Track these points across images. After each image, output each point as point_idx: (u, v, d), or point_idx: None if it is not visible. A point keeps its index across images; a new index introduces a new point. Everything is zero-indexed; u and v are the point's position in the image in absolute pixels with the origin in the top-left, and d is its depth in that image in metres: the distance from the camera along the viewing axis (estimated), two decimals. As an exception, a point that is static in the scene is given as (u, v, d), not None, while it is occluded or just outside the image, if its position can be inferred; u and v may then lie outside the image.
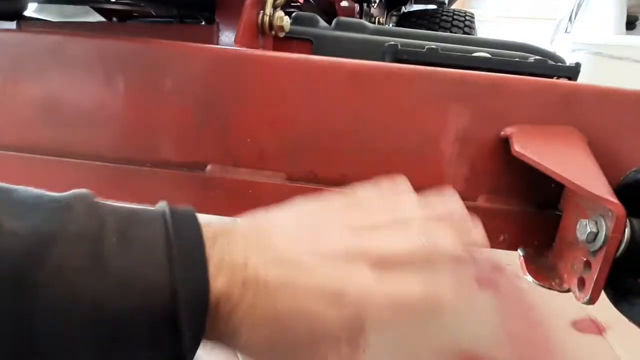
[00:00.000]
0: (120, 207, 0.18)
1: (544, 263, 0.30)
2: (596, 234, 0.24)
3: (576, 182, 0.24)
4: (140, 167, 0.32)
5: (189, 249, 0.17)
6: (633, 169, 0.25)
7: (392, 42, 0.31)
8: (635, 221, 0.23)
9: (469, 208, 0.31)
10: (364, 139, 0.31)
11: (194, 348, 0.17)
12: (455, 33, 1.10)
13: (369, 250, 0.19)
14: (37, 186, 0.34)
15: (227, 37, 0.44)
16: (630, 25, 2.23)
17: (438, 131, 0.30)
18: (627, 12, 2.10)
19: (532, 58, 0.31)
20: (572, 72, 0.31)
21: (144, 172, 0.32)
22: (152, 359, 0.17)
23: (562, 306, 0.79)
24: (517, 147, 0.27)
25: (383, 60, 0.32)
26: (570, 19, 2.19)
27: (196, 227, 0.18)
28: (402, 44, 0.46)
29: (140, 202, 0.33)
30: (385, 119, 0.30)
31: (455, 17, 1.10)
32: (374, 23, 0.96)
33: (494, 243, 0.32)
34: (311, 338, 0.19)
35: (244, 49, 0.30)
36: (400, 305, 0.19)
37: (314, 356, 0.19)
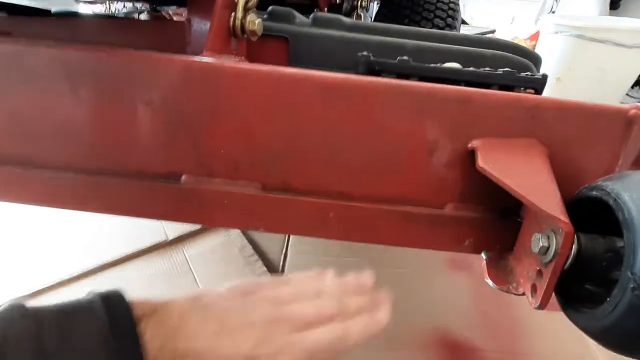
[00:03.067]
0: (57, 308, 0.20)
1: (505, 266, 0.32)
2: (547, 248, 0.25)
3: (532, 200, 0.25)
4: (113, 178, 0.32)
5: (124, 338, 0.20)
6: (585, 186, 0.26)
7: (365, 53, 0.31)
8: (583, 236, 0.25)
9: (436, 216, 0.33)
10: (337, 150, 0.31)
11: None
12: (439, 16, 1.08)
13: (289, 316, 0.25)
14: (8, 198, 0.34)
15: (199, 35, 0.43)
16: (613, 4, 2.23)
17: (408, 143, 0.31)
18: (612, -8, 2.10)
19: (502, 70, 0.31)
20: (539, 83, 0.31)
21: (117, 183, 0.32)
22: None
23: (530, 286, 0.84)
24: (481, 163, 0.28)
25: (357, 69, 0.32)
26: (556, -2, 2.18)
27: (127, 311, 0.21)
28: (378, 44, 0.46)
29: (115, 213, 0.33)
30: (357, 131, 0.31)
31: (439, 0, 1.08)
32: (356, 7, 0.93)
33: (460, 247, 0.34)
34: None
35: (215, 60, 0.30)
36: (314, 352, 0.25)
37: None
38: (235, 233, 0.98)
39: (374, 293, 0.30)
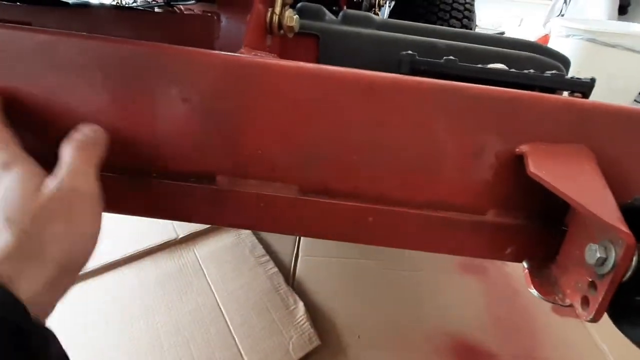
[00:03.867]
0: None
1: (547, 275, 0.32)
2: (605, 259, 0.24)
3: (589, 208, 0.25)
4: (145, 177, 0.31)
5: None
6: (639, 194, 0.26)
7: (409, 52, 0.30)
8: (642, 247, 0.24)
9: (477, 222, 0.32)
10: (378, 152, 0.30)
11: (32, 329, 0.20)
12: (455, 17, 1.07)
13: None
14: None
15: (228, 30, 0.42)
16: (622, 9, 2.23)
17: (453, 146, 0.30)
18: (621, -3, 2.09)
19: (549, 72, 0.30)
20: (587, 87, 0.30)
21: (150, 183, 0.31)
22: None
23: (544, 292, 0.84)
24: (532, 168, 0.27)
25: (399, 68, 0.31)
26: (565, 1, 2.17)
27: None
28: (410, 44, 0.45)
29: (146, 215, 0.32)
30: (400, 132, 0.30)
31: (455, 1, 1.07)
32: (374, 5, 0.92)
33: (501, 255, 0.33)
34: None
35: (254, 56, 0.29)
36: None
37: None
38: (246, 233, 0.97)
39: None
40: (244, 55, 0.28)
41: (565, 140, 0.30)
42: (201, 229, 0.95)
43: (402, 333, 0.74)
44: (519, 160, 0.29)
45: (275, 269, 0.86)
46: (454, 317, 0.80)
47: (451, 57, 0.30)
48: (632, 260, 0.23)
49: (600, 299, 0.24)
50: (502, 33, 2.23)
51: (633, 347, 0.25)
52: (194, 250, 0.91)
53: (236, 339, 0.69)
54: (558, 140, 0.29)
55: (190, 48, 0.28)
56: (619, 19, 2.22)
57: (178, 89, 0.29)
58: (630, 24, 1.82)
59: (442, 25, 1.05)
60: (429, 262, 0.94)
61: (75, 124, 0.29)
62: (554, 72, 0.30)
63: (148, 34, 0.51)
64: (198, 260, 0.88)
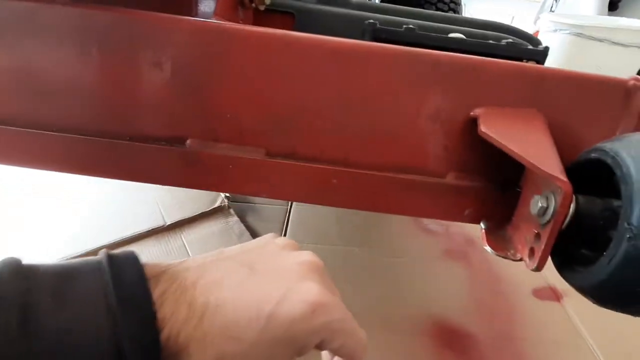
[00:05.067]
0: (56, 265, 0.17)
1: (503, 235, 0.33)
2: (546, 209, 0.26)
3: (531, 160, 0.26)
4: (120, 140, 0.32)
5: (130, 293, 0.17)
6: (586, 149, 0.27)
7: (371, 21, 0.31)
8: (581, 197, 0.25)
9: (437, 184, 0.33)
10: (343, 116, 0.32)
11: None
12: (441, 9, 1.09)
13: (304, 263, 0.22)
14: (12, 161, 0.34)
15: (205, 5, 0.43)
16: (612, 5, 2.25)
17: (413, 110, 0.31)
18: (611, -7, 2.12)
19: (505, 41, 0.32)
20: (541, 55, 0.32)
21: (123, 146, 0.32)
22: None
23: (525, 276, 0.86)
24: (483, 128, 0.29)
25: (363, 37, 0.33)
26: (555, -2, 2.19)
27: (137, 268, 0.18)
28: (383, 22, 0.46)
29: (120, 176, 0.33)
30: (363, 97, 0.31)
31: (441, -8, 1.09)
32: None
33: (460, 216, 0.34)
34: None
35: (223, 22, 0.30)
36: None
37: None
38: (234, 220, 0.98)
39: None
40: (211, 20, 0.29)
41: (518, 104, 0.31)
42: (189, 216, 0.96)
43: (385, 317, 0.75)
44: (475, 124, 0.31)
45: (262, 254, 0.88)
46: (437, 301, 0.81)
47: (410, 26, 0.31)
48: (569, 207, 0.25)
49: (542, 246, 0.26)
50: (493, 29, 2.25)
51: (611, 327, 0.26)
52: (181, 237, 0.92)
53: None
54: (511, 104, 0.31)
55: (160, 14, 0.30)
56: (609, 15, 2.25)
57: (149, 53, 0.30)
58: (617, 18, 1.85)
59: (429, 7, 1.07)
60: (414, 249, 0.96)
61: (51, 90, 0.30)
62: (509, 40, 0.32)
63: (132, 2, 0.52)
64: (185, 247, 0.89)
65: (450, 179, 0.33)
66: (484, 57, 0.31)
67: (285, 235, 0.96)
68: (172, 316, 0.17)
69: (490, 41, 0.33)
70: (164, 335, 0.17)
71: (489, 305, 0.81)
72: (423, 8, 1.02)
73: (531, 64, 0.32)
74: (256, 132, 0.32)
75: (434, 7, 0.99)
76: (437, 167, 0.33)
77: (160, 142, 0.33)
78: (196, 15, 0.39)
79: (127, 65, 0.31)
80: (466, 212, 0.34)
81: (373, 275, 0.87)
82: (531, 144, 0.28)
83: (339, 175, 0.32)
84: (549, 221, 0.26)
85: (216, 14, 0.33)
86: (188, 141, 0.33)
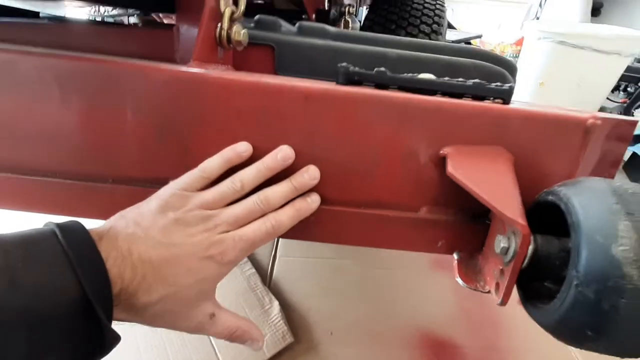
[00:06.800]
0: (14, 235, 0.22)
1: (474, 266, 0.35)
2: (508, 248, 0.28)
3: (495, 204, 0.28)
4: (101, 183, 0.33)
5: (84, 254, 0.23)
6: (544, 190, 0.29)
7: (344, 64, 0.33)
8: (539, 237, 0.27)
9: (411, 219, 0.35)
10: (317, 157, 0.33)
11: (109, 328, 0.23)
12: (425, 22, 1.11)
13: (219, 219, 0.29)
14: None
15: (187, 42, 0.44)
16: (595, 11, 2.31)
17: (385, 150, 0.33)
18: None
19: (472, 81, 0.33)
20: (507, 94, 0.34)
21: (105, 189, 0.33)
22: (77, 345, 0.22)
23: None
24: (450, 169, 0.30)
25: (337, 79, 0.34)
26: (540, 4, 2.24)
27: (85, 234, 0.24)
28: (360, 53, 0.48)
29: (103, 218, 0.34)
30: (337, 139, 0.33)
31: (426, 5, 1.11)
32: (344, 13, 0.95)
33: (434, 248, 0.36)
34: (197, 289, 0.28)
35: (199, 70, 0.31)
36: (248, 242, 0.29)
37: (198, 311, 0.29)
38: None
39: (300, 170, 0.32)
40: (186, 69, 0.31)
41: (485, 142, 0.33)
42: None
43: (374, 329, 0.77)
44: (444, 161, 0.32)
45: (253, 270, 0.88)
46: (425, 313, 0.83)
47: (382, 69, 0.33)
48: (528, 249, 0.26)
49: (505, 283, 0.28)
50: (480, 36, 2.30)
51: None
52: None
53: (211, 337, 0.71)
54: (478, 142, 0.33)
55: (135, 62, 0.31)
56: (592, 21, 2.30)
57: (127, 100, 0.31)
58: (599, 25, 1.89)
59: (413, 29, 1.09)
60: (402, 261, 0.97)
61: (33, 137, 0.31)
62: (476, 80, 0.34)
63: (116, 45, 0.53)
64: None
65: (423, 213, 0.35)
66: (451, 99, 0.32)
67: (276, 247, 0.97)
68: (118, 276, 0.24)
69: (460, 79, 0.35)
70: (115, 288, 0.24)
71: (476, 315, 0.82)
72: (407, 27, 1.04)
73: (496, 104, 0.34)
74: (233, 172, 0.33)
75: (416, 28, 1.01)
76: (410, 202, 0.34)
77: (143, 184, 0.34)
78: (177, 59, 0.40)
79: (107, 112, 0.32)
80: (439, 243, 0.35)
81: (362, 288, 0.88)
82: (495, 186, 0.30)
83: (316, 212, 0.34)
84: (510, 260, 0.27)
85: (195, 58, 0.34)
86: (170, 182, 0.34)
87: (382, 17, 1.13)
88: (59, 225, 0.24)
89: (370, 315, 0.80)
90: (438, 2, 1.20)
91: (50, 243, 0.22)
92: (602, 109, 1.85)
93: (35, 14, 0.65)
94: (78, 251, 0.22)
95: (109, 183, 0.33)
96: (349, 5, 1.01)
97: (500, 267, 0.29)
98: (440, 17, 1.14)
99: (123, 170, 0.33)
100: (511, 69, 0.56)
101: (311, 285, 0.86)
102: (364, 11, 1.47)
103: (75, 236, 0.23)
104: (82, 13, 0.88)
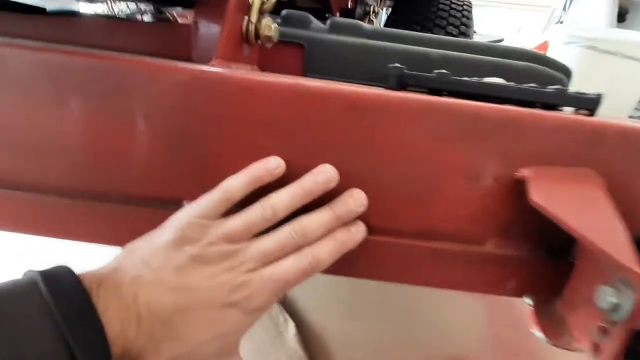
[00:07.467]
0: None
1: (553, 314, 0.28)
2: (618, 305, 0.21)
3: (599, 244, 0.21)
4: (103, 202, 0.28)
5: (74, 310, 0.18)
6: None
7: (396, 65, 0.27)
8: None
9: (474, 254, 0.28)
10: (365, 177, 0.27)
11: None
12: (452, 24, 1.05)
13: (246, 255, 0.23)
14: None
15: (206, 40, 0.39)
16: (620, 17, 2.22)
17: (447, 169, 0.27)
18: (619, 4, 2.08)
19: (552, 87, 0.27)
20: (594, 103, 0.27)
21: (108, 209, 0.28)
22: None
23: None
24: (535, 197, 0.24)
25: (386, 82, 0.28)
26: (564, 8, 2.16)
27: (75, 283, 0.19)
28: (403, 53, 0.42)
29: (104, 242, 0.29)
30: (388, 156, 0.27)
31: (452, 6, 1.05)
32: (369, 12, 0.90)
33: (500, 290, 0.29)
34: (217, 346, 0.22)
35: (225, 70, 0.26)
36: (280, 283, 0.24)
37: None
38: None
39: (343, 192, 0.26)
40: (208, 68, 0.25)
41: (572, 163, 0.26)
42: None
43: (399, 356, 0.70)
44: (520, 185, 0.26)
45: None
46: (454, 338, 0.76)
47: (443, 71, 0.27)
48: (651, 308, 0.20)
49: (614, 348, 0.21)
50: (501, 40, 2.22)
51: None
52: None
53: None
54: (563, 163, 0.26)
55: (146, 59, 0.25)
56: (617, 27, 2.21)
57: (138, 105, 0.26)
58: (631, 31, 1.81)
59: (439, 31, 1.03)
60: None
61: (29, 142, 0.26)
62: (557, 86, 0.28)
63: (127, 42, 0.48)
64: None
65: (489, 246, 0.28)
66: (529, 110, 0.26)
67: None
68: (121, 333, 0.19)
69: (533, 85, 0.28)
70: (117, 349, 0.19)
71: (510, 342, 0.75)
72: (432, 29, 0.98)
73: (584, 116, 0.28)
74: (261, 195, 0.28)
75: (443, 30, 0.95)
76: (474, 233, 0.28)
77: (152, 204, 0.28)
78: (194, 57, 0.35)
79: (113, 119, 0.26)
80: (509, 284, 0.29)
81: (384, 307, 0.82)
82: (593, 218, 0.23)
83: (360, 244, 0.28)
84: (621, 320, 0.21)
85: (218, 56, 0.29)
86: (184, 203, 0.28)
87: (405, 18, 1.07)
88: (42, 274, 0.19)
89: (394, 338, 0.73)
90: (465, 2, 1.14)
91: (31, 299, 0.18)
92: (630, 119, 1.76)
93: (43, 10, 0.61)
94: (66, 307, 0.18)
95: (112, 202, 0.28)
96: (373, 5, 0.96)
97: (603, 325, 0.23)
98: (467, 17, 1.08)
99: (128, 187, 0.28)
100: (567, 73, 0.49)
101: (329, 303, 0.80)
102: (382, 13, 1.42)
103: (63, 287, 0.18)
104: (94, 10, 0.84)
